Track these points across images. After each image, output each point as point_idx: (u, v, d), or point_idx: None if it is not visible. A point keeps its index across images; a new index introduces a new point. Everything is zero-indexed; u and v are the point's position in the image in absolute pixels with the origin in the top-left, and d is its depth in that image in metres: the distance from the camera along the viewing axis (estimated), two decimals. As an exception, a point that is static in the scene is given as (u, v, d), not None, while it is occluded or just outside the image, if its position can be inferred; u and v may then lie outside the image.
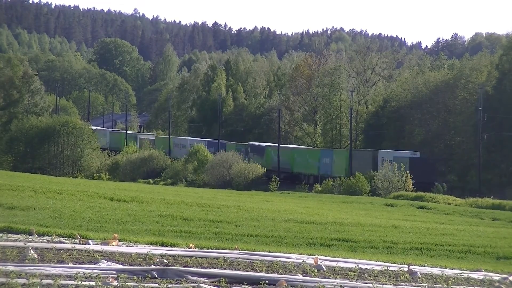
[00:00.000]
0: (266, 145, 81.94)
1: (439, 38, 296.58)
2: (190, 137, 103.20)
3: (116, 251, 14.44)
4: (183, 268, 12.50)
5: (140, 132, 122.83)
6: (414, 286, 13.23)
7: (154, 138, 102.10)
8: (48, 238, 16.94)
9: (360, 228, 28.06)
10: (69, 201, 30.00)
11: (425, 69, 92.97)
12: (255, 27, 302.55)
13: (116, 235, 17.15)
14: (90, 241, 16.33)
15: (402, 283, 13.36)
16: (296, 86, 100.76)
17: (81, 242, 16.23)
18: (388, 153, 66.25)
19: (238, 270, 13.11)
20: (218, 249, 16.59)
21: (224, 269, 13.09)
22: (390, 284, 12.98)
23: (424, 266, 16.95)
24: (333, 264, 14.90)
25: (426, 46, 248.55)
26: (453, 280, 14.46)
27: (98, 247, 14.90)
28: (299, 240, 23.22)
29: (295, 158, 74.07)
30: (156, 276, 11.78)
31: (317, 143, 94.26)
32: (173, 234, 22.06)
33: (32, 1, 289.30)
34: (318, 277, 12.98)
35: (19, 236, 17.00)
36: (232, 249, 16.57)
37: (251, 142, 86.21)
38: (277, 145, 78.96)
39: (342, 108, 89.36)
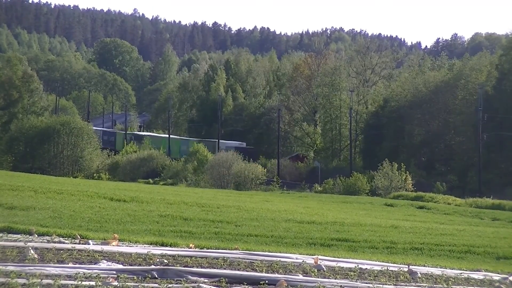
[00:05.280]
0: (143, 134, 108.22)
1: (439, 38, 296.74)
2: (189, 137, 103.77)
3: (116, 251, 14.42)
4: (183, 268, 12.49)
5: (140, 132, 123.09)
6: (414, 286, 13.21)
7: None
8: (48, 238, 16.92)
9: (360, 228, 28.03)
10: (69, 201, 29.95)
11: (425, 69, 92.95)
12: (255, 27, 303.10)
13: (116, 235, 17.13)
14: (90, 241, 16.31)
15: (402, 283, 13.35)
16: (295, 86, 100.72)
17: (81, 242, 16.21)
18: (223, 143, 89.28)
19: (238, 270, 13.10)
20: (218, 249, 16.57)
21: (224, 269, 13.08)
22: (390, 284, 12.97)
23: (424, 266, 16.94)
24: (333, 264, 14.89)
25: (426, 46, 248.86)
26: (453, 280, 14.45)
27: (98, 247, 14.89)
28: (299, 240, 23.18)
29: (165, 145, 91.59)
30: (156, 276, 11.77)
31: (317, 143, 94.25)
32: (173, 234, 22.02)
33: (32, 1, 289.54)
34: (318, 277, 12.97)
35: (19, 236, 16.97)
36: (232, 249, 16.55)
37: (134, 132, 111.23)
38: (153, 134, 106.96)
39: (342, 108, 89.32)
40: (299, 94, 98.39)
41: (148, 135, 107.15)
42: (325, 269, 14.02)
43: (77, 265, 12.28)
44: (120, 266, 12.43)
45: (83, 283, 10.62)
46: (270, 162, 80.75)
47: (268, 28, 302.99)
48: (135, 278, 11.48)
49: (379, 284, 12.64)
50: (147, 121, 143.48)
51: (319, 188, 65.48)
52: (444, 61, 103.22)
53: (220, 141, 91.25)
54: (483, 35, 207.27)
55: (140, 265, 12.99)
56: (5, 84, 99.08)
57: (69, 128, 79.53)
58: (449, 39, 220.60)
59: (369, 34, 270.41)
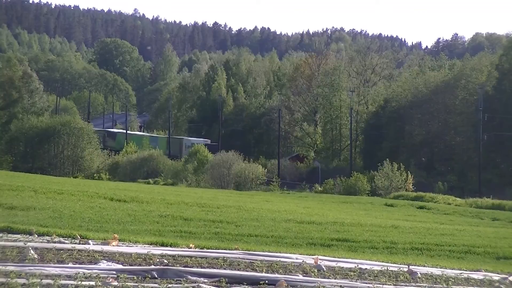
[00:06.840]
0: (117, 131, 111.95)
1: (439, 38, 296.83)
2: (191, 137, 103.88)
3: (116, 251, 14.42)
4: (183, 268, 12.48)
5: (141, 132, 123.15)
6: (414, 286, 13.20)
7: None
8: (48, 238, 16.91)
9: (360, 228, 28.01)
10: (69, 201, 29.92)
11: (425, 69, 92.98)
12: (255, 27, 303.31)
13: (116, 235, 17.13)
14: (90, 241, 16.30)
15: (402, 283, 13.34)
16: (296, 86, 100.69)
17: (81, 242, 16.21)
18: (188, 140, 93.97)
19: (238, 270, 13.09)
20: (218, 249, 16.57)
21: (224, 269, 13.07)
22: (390, 284, 12.96)
23: (424, 266, 16.93)
24: (333, 264, 14.88)
25: (426, 46, 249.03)
26: (453, 280, 14.45)
27: (98, 247, 14.88)
28: (299, 240, 23.16)
29: (136, 142, 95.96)
30: (156, 276, 11.77)
31: (317, 143, 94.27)
32: (173, 234, 22.00)
33: (32, 1, 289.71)
34: (318, 277, 12.97)
35: (19, 236, 16.96)
36: (232, 249, 16.54)
37: (107, 129, 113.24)
38: (127, 131, 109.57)
39: (342, 108, 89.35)
40: (299, 94, 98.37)
41: (121, 132, 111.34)
42: (325, 269, 14.02)
43: (77, 265, 12.27)
44: (120, 266, 12.42)
45: (83, 283, 10.61)
46: (270, 162, 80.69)
47: (268, 28, 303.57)
48: (135, 278, 11.48)
49: (379, 284, 12.63)
50: (147, 121, 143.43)
51: (319, 188, 65.47)
52: (445, 61, 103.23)
53: (185, 138, 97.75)
54: (484, 35, 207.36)
55: (140, 265, 12.99)
56: (5, 84, 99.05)
57: (69, 128, 79.52)
58: (450, 39, 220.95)
59: (370, 34, 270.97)
